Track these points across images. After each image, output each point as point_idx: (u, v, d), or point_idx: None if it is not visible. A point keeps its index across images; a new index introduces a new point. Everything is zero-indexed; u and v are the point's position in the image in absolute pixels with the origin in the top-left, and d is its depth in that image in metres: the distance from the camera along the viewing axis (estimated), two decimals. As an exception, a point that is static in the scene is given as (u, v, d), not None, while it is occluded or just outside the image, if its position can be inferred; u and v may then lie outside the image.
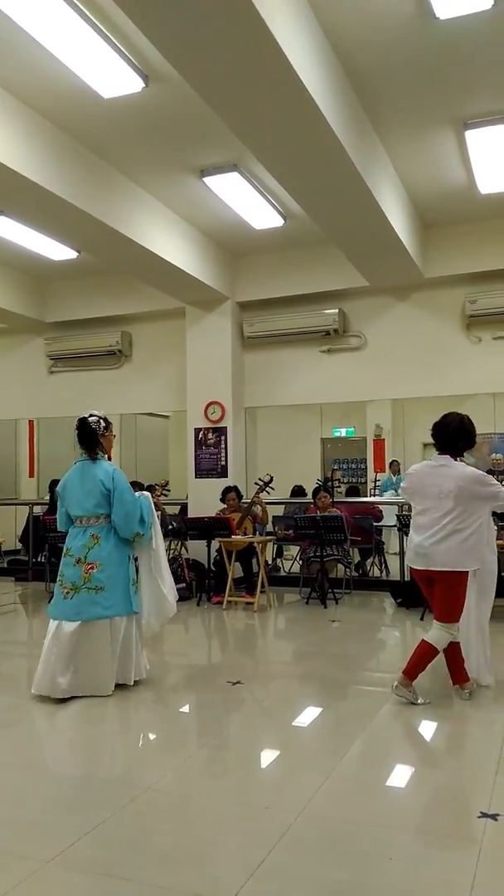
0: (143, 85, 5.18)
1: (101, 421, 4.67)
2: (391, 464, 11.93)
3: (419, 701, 4.02)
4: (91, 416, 4.67)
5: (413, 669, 4.06)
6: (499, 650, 4.80)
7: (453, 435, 4.18)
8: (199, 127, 5.82)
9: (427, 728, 3.75)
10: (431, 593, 4.18)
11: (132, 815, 2.79)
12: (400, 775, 3.23)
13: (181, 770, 3.29)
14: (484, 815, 2.68)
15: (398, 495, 9.42)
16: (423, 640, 4.10)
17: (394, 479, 10.85)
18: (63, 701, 4.22)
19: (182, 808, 2.88)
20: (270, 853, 2.46)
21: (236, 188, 6.84)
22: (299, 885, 2.27)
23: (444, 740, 3.64)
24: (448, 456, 4.17)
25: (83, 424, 4.63)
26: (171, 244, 7.46)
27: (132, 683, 4.46)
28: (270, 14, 3.88)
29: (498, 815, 2.68)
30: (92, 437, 4.61)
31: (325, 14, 4.55)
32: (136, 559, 4.67)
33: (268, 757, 3.48)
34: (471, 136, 5.90)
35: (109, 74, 5.03)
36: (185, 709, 4.36)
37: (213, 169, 6.57)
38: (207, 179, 6.69)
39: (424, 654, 4.06)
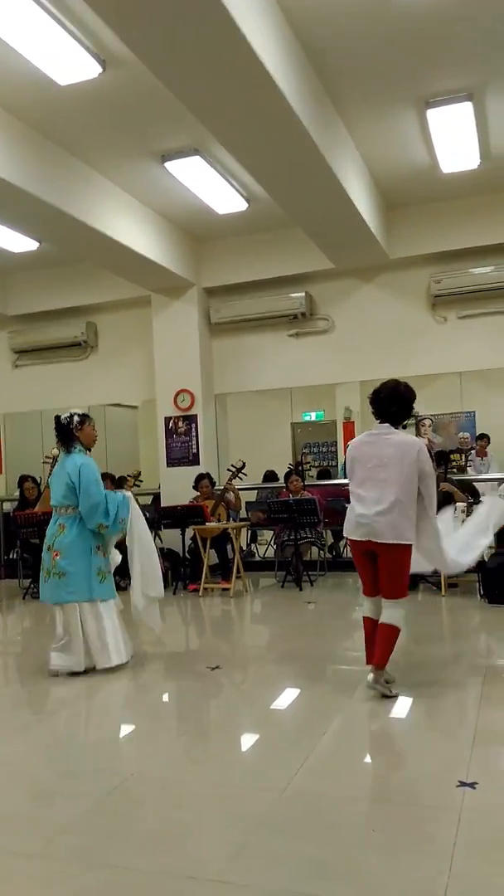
0: (101, 70, 5.09)
1: (74, 416, 4.86)
2: None
3: (394, 692, 3.84)
4: (66, 413, 4.88)
5: (381, 657, 3.84)
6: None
7: (385, 400, 3.97)
8: (160, 111, 5.75)
9: (403, 703, 3.79)
10: (367, 567, 3.98)
11: (115, 803, 2.79)
12: (379, 750, 3.28)
13: (162, 755, 3.30)
14: (462, 783, 2.73)
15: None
16: (380, 623, 3.89)
17: None
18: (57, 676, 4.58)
19: (165, 793, 2.89)
20: (255, 832, 2.48)
21: (198, 172, 6.78)
22: (285, 862, 2.29)
23: (421, 714, 3.69)
24: (388, 424, 3.97)
25: (57, 422, 4.88)
26: (133, 231, 7.38)
27: (96, 668, 4.62)
28: (227, -6, 3.84)
29: (476, 783, 2.73)
30: (65, 433, 4.82)
31: (283, -7, 4.52)
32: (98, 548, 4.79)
33: (249, 739, 3.50)
34: (432, 115, 5.92)
35: (65, 60, 4.94)
36: (165, 695, 4.37)
37: (175, 153, 6.51)
38: (169, 164, 6.63)
39: (387, 637, 3.86)
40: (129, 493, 4.94)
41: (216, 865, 2.29)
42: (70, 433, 4.81)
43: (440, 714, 3.71)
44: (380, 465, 3.86)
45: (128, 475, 8.16)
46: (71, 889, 2.22)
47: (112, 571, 4.92)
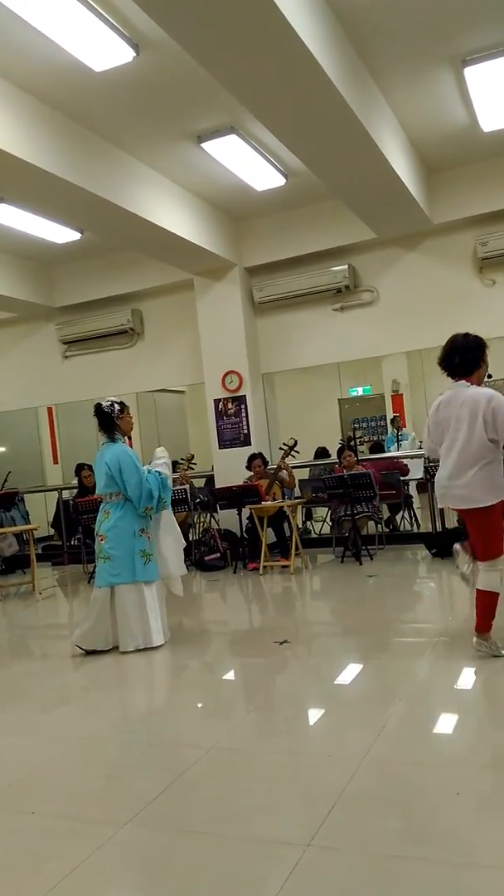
0: (134, 54, 5.09)
1: (115, 405, 4.99)
2: (392, 420, 11.86)
3: (503, 652, 3.80)
4: (106, 401, 5.00)
5: (483, 622, 3.81)
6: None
7: (447, 355, 3.85)
8: (194, 92, 5.73)
9: (470, 671, 3.78)
10: (468, 528, 3.92)
11: (200, 775, 2.86)
12: (454, 718, 3.27)
13: (239, 729, 3.36)
14: (545, 746, 2.72)
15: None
16: (477, 589, 3.83)
17: (398, 433, 10.78)
18: (96, 653, 4.79)
19: (247, 765, 2.95)
20: (341, 799, 2.51)
21: (235, 151, 6.73)
22: (373, 826, 2.32)
23: (489, 680, 3.67)
24: (463, 380, 3.83)
25: (99, 409, 4.99)
26: (173, 215, 7.39)
27: (131, 650, 4.75)
28: (259, -36, 3.79)
29: None
30: (108, 421, 4.97)
31: (314, -41, 4.43)
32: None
33: (322, 711, 3.54)
34: (469, 72, 5.75)
35: (99, 47, 4.94)
36: (235, 671, 4.43)
37: (211, 133, 6.47)
38: (205, 145, 6.60)
39: (486, 603, 3.79)
40: (158, 467, 5.02)
41: (305, 831, 2.33)
42: (112, 421, 4.96)
43: (514, 679, 3.68)
44: (456, 427, 3.77)
45: (182, 458, 8.28)
46: (164, 855, 2.29)
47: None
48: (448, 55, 5.59)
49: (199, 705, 3.85)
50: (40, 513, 10.67)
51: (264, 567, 7.45)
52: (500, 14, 5.11)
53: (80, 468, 9.15)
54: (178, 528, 5.26)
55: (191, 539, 8.36)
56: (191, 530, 8.62)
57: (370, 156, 6.00)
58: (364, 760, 2.81)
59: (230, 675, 4.37)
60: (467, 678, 3.73)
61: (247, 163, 7.02)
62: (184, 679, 4.39)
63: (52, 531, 10.41)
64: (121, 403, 5.02)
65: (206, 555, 8.04)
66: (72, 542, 9.64)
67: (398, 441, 10.50)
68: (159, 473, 4.97)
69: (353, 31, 5.16)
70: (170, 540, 5.10)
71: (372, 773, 2.71)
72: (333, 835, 2.30)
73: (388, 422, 11.95)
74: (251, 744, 3.19)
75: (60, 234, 8.18)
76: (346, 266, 8.40)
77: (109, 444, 4.97)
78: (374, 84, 5.89)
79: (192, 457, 8.47)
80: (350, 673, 4.07)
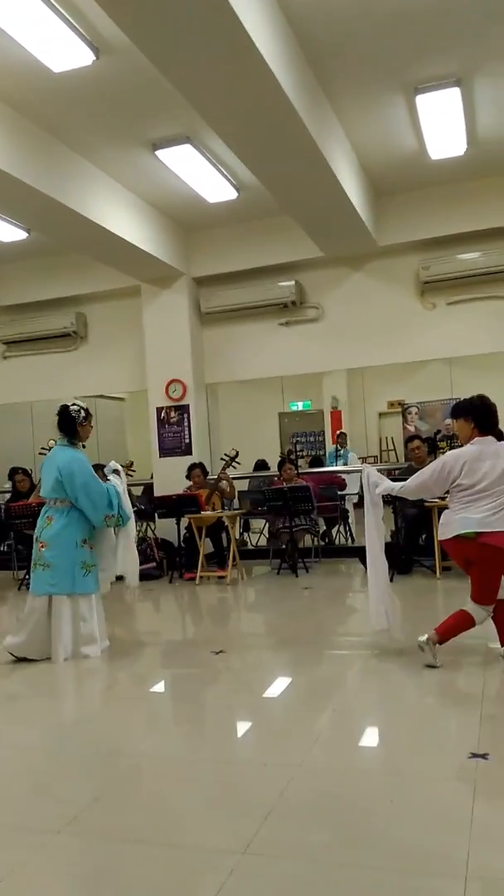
0: (94, 58, 5.08)
1: (82, 410, 4.88)
2: (339, 436, 12.06)
3: (437, 664, 3.88)
4: (74, 404, 4.88)
5: (446, 632, 3.91)
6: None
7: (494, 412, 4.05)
8: (151, 100, 5.74)
9: (413, 680, 3.87)
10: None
11: (130, 783, 2.83)
12: (389, 727, 3.34)
13: (173, 738, 3.34)
14: (474, 755, 2.80)
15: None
16: (462, 609, 3.93)
17: (340, 451, 10.97)
18: (27, 661, 4.65)
19: (181, 773, 2.93)
20: (276, 805, 2.53)
21: (189, 161, 6.77)
22: (310, 832, 2.35)
23: (432, 689, 3.76)
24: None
25: (65, 411, 4.86)
26: (124, 220, 7.36)
27: (62, 660, 4.62)
28: (224, -20, 3.85)
29: (487, 754, 2.80)
30: (70, 425, 4.84)
31: (277, -20, 4.53)
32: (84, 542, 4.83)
33: (258, 720, 3.54)
34: (421, 100, 5.95)
35: (59, 47, 4.92)
36: (169, 680, 4.40)
37: (166, 142, 6.50)
38: (160, 153, 6.62)
39: (460, 621, 3.90)
40: (115, 480, 4.95)
41: (241, 839, 2.34)
42: (75, 425, 4.83)
43: (445, 690, 3.78)
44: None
45: (122, 465, 8.16)
46: (99, 863, 2.26)
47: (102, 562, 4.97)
48: (401, 82, 5.77)
49: (133, 715, 3.80)
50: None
51: (201, 577, 7.43)
52: (452, 45, 5.32)
53: (13, 472, 8.91)
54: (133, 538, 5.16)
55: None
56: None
57: (321, 174, 6.13)
58: (299, 769, 2.83)
59: (164, 685, 4.34)
60: (398, 689, 3.82)
61: (200, 174, 7.06)
62: (117, 689, 4.33)
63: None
64: (86, 410, 4.90)
65: (141, 564, 7.93)
66: (1, 549, 9.37)
67: (338, 456, 10.66)
68: (113, 486, 4.89)
69: (312, 53, 5.28)
70: (128, 547, 5.02)
71: (306, 781, 2.74)
72: (269, 842, 2.31)
73: (335, 437, 12.12)
74: (186, 752, 3.17)
75: (6, 232, 8.03)
76: (293, 282, 8.53)
77: (63, 448, 4.83)
78: (330, 106, 6.03)
79: (132, 464, 8.38)
80: (284, 683, 4.10)
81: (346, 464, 10.11)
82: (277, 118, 5.19)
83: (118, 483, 4.95)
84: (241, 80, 4.69)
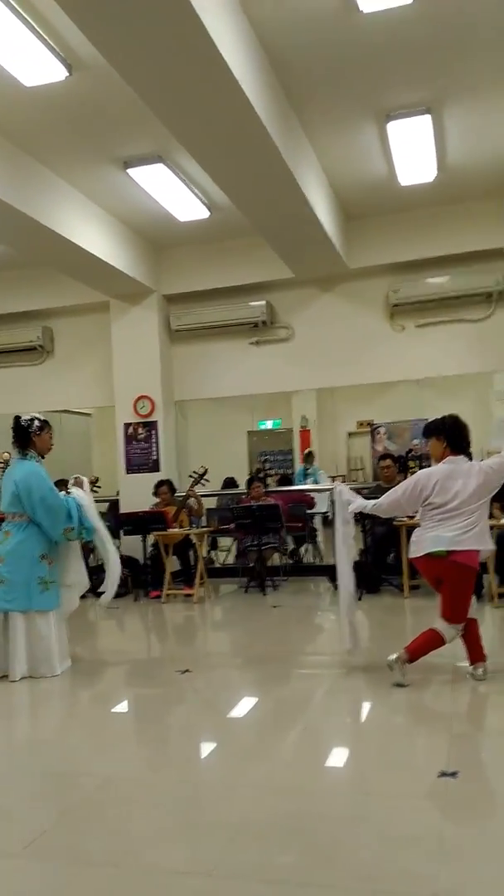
0: (67, 74, 5.07)
1: (35, 421, 4.78)
2: (307, 455, 12.12)
3: (405, 683, 3.88)
4: (26, 415, 4.80)
5: (415, 651, 3.92)
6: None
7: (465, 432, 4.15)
8: (124, 117, 5.75)
9: (381, 699, 3.85)
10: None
11: (94, 805, 2.76)
12: (358, 746, 3.32)
13: (138, 759, 3.28)
14: (444, 774, 2.79)
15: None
16: (431, 627, 3.95)
17: (308, 469, 11.01)
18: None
19: (145, 794, 2.87)
20: (242, 827, 2.48)
21: (161, 180, 6.79)
22: (275, 853, 2.31)
23: (401, 708, 3.75)
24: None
25: (16, 423, 4.77)
26: (94, 236, 7.34)
27: (18, 679, 4.50)
28: (200, 4, 3.89)
29: (457, 772, 2.80)
30: (23, 436, 4.75)
31: (253, 6, 4.59)
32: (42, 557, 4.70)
33: (224, 740, 3.49)
34: (392, 127, 6.06)
35: (31, 62, 4.89)
36: (131, 700, 4.33)
37: (138, 160, 6.51)
38: (132, 171, 6.63)
39: (429, 640, 3.92)
40: (78, 492, 4.83)
41: (205, 860, 2.29)
42: (28, 436, 4.73)
43: (413, 710, 3.77)
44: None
45: (193, 472, 7.92)
46: (59, 886, 2.19)
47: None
48: (373, 109, 5.88)
49: (94, 735, 3.72)
50: None
51: (167, 595, 7.35)
52: (423, 75, 5.44)
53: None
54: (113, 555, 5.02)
55: (90, 565, 8.12)
56: (91, 555, 8.39)
57: (293, 197, 6.20)
58: (265, 790, 2.80)
59: (128, 705, 4.26)
60: (367, 708, 3.80)
61: (171, 193, 7.08)
62: (78, 708, 4.25)
63: None
64: (42, 421, 4.80)
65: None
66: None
67: (306, 475, 10.69)
68: (74, 499, 4.78)
69: (285, 77, 5.36)
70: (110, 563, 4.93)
71: (273, 802, 2.70)
72: (234, 864, 2.26)
73: (304, 456, 12.15)
74: (149, 774, 3.11)
75: (-26, 244, 7.93)
76: (264, 302, 8.58)
77: (20, 461, 4.75)
78: (302, 130, 6.12)
79: (97, 480, 8.28)
80: (252, 703, 4.05)
81: (316, 482, 10.14)
82: (250, 140, 5.24)
83: (82, 495, 4.85)
84: (213, 101, 4.73)
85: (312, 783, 2.88)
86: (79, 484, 4.96)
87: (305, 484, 10.15)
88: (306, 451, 12.20)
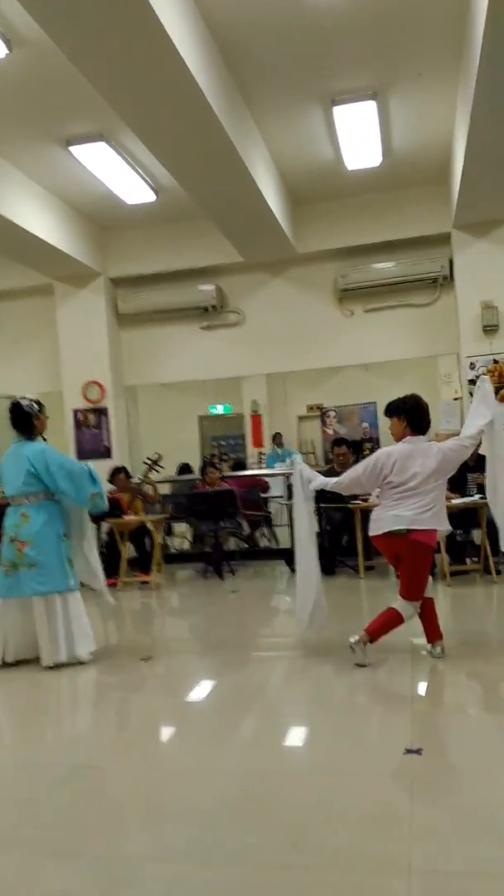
0: (7, 51, 4.90)
1: (35, 404, 4.76)
2: (274, 437, 12.18)
3: (367, 663, 3.95)
4: (24, 399, 4.75)
5: (375, 631, 3.98)
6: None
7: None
8: (66, 95, 5.59)
9: (343, 679, 3.91)
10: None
11: (69, 794, 2.74)
12: (322, 727, 3.37)
13: (103, 747, 3.26)
14: (409, 751, 2.86)
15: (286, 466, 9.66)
16: (390, 606, 4.02)
17: (279, 451, 11.08)
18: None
19: (112, 782, 2.86)
20: (217, 812, 2.50)
21: (105, 160, 6.63)
22: (253, 836, 2.33)
23: (362, 688, 3.82)
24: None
25: (18, 408, 4.70)
26: (34, 216, 7.13)
27: (80, 661, 4.50)
28: (145, -22, 3.79)
29: (421, 749, 2.86)
30: (26, 420, 4.70)
31: (198, -16, 4.51)
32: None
33: (186, 726, 3.50)
34: (338, 112, 6.05)
35: (-31, 37, 4.71)
36: (92, 688, 4.29)
37: (80, 139, 6.33)
38: (74, 149, 6.45)
39: (389, 619, 3.99)
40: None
41: (177, 846, 2.30)
42: (31, 420, 4.69)
43: (374, 690, 3.84)
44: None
45: (150, 459, 7.76)
46: (28, 878, 2.16)
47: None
48: (319, 93, 5.86)
49: (59, 725, 3.68)
50: None
51: (123, 583, 7.29)
52: (369, 60, 5.44)
53: None
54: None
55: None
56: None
57: (240, 179, 6.14)
58: (232, 774, 2.82)
59: (89, 694, 4.23)
60: (329, 689, 3.85)
61: (116, 174, 6.94)
62: (40, 698, 4.18)
63: None
64: (38, 402, 4.77)
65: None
66: None
67: (279, 458, 10.71)
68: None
69: (231, 58, 5.28)
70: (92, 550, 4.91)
71: (241, 785, 2.72)
72: (206, 849, 2.27)
73: (273, 438, 12.19)
74: (115, 761, 3.10)
75: None
76: (214, 286, 8.51)
77: (25, 443, 4.66)
78: (250, 113, 6.06)
79: (160, 457, 8.11)
80: (214, 687, 4.07)
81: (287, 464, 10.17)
82: (196, 120, 5.15)
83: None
84: (157, 78, 4.62)
85: (281, 765, 2.91)
86: None
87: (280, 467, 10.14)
88: (275, 433, 12.22)
